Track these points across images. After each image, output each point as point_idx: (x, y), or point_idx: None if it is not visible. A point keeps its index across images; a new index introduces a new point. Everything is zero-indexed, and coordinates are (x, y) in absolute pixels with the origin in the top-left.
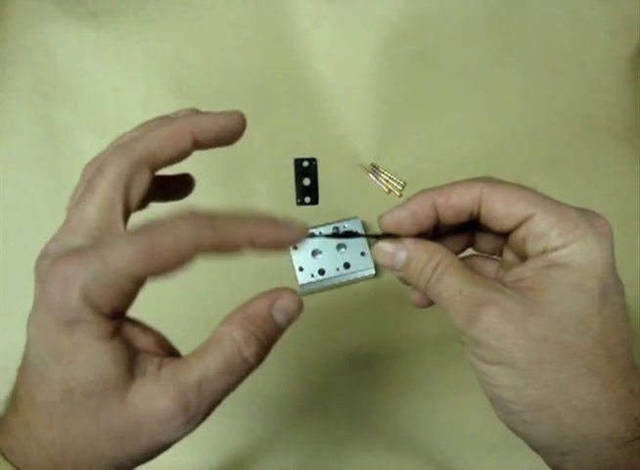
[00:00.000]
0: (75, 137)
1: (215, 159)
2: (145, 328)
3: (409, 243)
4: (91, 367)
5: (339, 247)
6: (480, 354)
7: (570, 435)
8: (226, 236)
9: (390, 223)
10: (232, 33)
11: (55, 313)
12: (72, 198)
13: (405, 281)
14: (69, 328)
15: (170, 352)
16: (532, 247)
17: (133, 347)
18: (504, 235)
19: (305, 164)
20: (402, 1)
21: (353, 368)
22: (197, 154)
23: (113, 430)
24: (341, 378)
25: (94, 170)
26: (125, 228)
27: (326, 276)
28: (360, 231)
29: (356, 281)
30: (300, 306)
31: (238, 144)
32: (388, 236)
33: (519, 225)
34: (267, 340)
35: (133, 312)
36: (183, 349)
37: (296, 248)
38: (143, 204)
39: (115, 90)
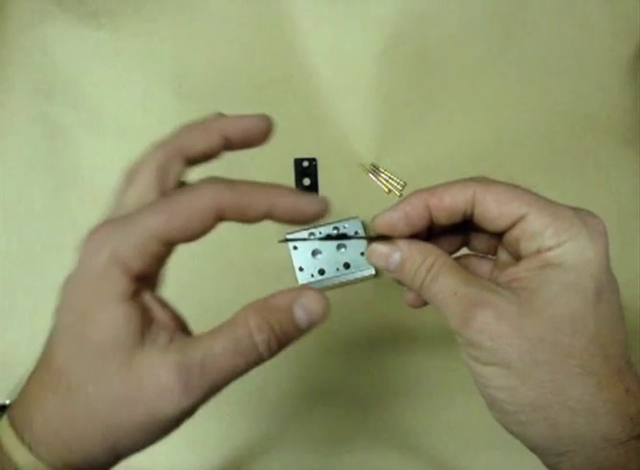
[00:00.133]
0: (75, 137)
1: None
2: (165, 303)
3: (403, 244)
4: (105, 325)
5: (339, 247)
6: (474, 355)
7: (565, 435)
8: (246, 200)
9: (383, 225)
10: (232, 33)
11: (85, 273)
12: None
13: (400, 282)
14: (95, 285)
15: (185, 330)
16: (526, 247)
17: (150, 316)
18: (498, 235)
19: (305, 164)
20: (402, 1)
21: (353, 368)
22: None
23: (113, 392)
24: (340, 378)
25: (134, 165)
26: None
27: (326, 276)
28: (360, 231)
29: (356, 281)
30: (324, 310)
31: None
32: (381, 238)
33: (512, 225)
34: (282, 333)
35: None
36: None
37: (295, 248)
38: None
39: (115, 90)
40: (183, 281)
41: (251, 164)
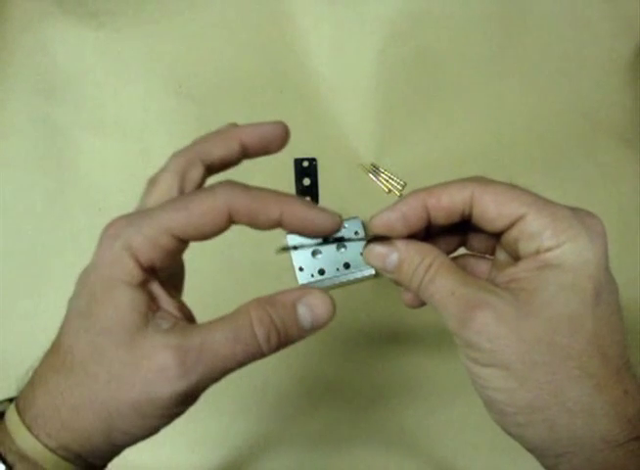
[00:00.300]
0: (75, 137)
1: None
2: (173, 294)
3: (400, 244)
4: (111, 306)
5: (338, 247)
6: (472, 357)
7: (564, 437)
8: (259, 205)
9: (381, 225)
10: (232, 33)
11: (98, 261)
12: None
13: (398, 283)
14: (107, 271)
15: (190, 320)
16: (525, 247)
17: (156, 304)
18: (496, 235)
19: (305, 163)
20: (402, 1)
21: (353, 368)
22: None
23: (112, 371)
24: (340, 378)
25: (157, 172)
26: None
27: (326, 276)
28: (360, 231)
29: (356, 281)
30: (329, 312)
31: None
32: (379, 239)
33: (511, 226)
34: (284, 328)
35: None
36: None
37: (295, 248)
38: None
39: (115, 90)
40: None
41: (251, 164)
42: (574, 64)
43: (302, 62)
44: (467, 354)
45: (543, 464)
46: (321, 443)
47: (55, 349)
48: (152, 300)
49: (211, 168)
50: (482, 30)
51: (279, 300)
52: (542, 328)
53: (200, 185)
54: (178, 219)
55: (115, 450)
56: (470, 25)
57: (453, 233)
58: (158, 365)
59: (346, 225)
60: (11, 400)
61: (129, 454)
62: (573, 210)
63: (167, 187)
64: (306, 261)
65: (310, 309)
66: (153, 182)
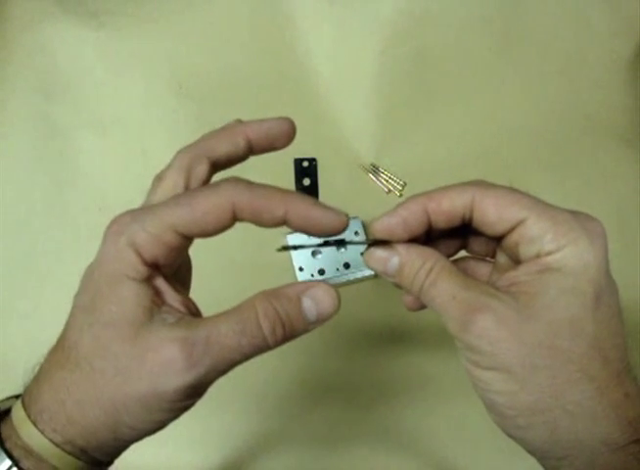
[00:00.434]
0: (75, 137)
1: None
2: (178, 289)
3: (401, 248)
4: (115, 301)
5: (338, 247)
6: (474, 360)
7: (565, 439)
8: (263, 203)
9: (382, 230)
10: (232, 33)
11: (102, 257)
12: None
13: (399, 286)
14: (111, 266)
15: (196, 316)
16: (526, 251)
17: (161, 298)
18: (497, 238)
19: (305, 163)
20: (402, 1)
21: (353, 368)
22: None
23: (117, 366)
24: (340, 378)
25: (163, 168)
26: None
27: (326, 276)
28: (360, 231)
29: (356, 281)
30: (334, 304)
31: None
32: (380, 243)
33: (511, 230)
34: (289, 321)
35: None
36: None
37: (296, 248)
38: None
39: (115, 90)
40: None
41: (251, 164)
42: (574, 64)
43: (302, 62)
44: (468, 358)
45: (544, 467)
46: (321, 442)
47: (60, 344)
48: (157, 295)
49: (217, 165)
50: (482, 30)
51: (284, 293)
52: (543, 331)
53: (205, 182)
54: (182, 216)
55: (121, 446)
56: (470, 25)
57: (453, 236)
58: (164, 358)
59: None
60: (17, 397)
61: (129, 454)
62: (574, 213)
63: (173, 183)
64: (306, 261)
65: (315, 303)
66: (158, 179)
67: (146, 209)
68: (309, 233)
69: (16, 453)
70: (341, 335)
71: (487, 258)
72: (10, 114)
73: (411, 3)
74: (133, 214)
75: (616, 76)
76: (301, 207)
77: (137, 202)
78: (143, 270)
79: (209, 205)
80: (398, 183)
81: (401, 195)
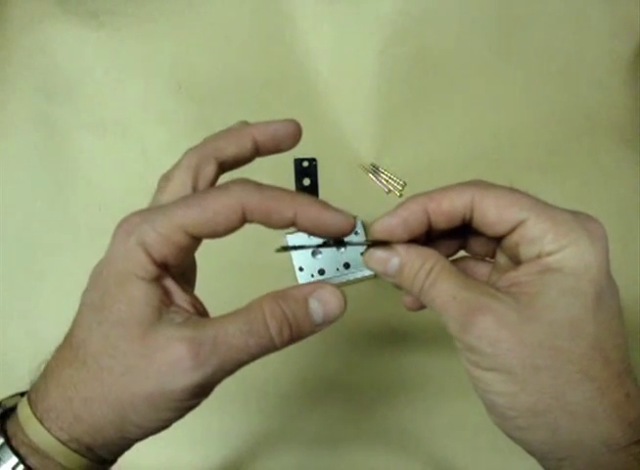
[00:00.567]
0: (75, 137)
1: None
2: (186, 289)
3: (401, 249)
4: (124, 300)
5: (338, 247)
6: (474, 361)
7: (565, 440)
8: (272, 204)
9: (382, 231)
10: (232, 33)
11: (112, 256)
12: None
13: (399, 286)
14: (120, 265)
15: (203, 316)
16: (526, 252)
17: (169, 298)
18: (497, 239)
19: (305, 163)
20: (402, 1)
21: (353, 368)
22: None
23: (125, 364)
24: (340, 378)
25: (170, 168)
26: None
27: (326, 276)
28: (360, 231)
29: (356, 281)
30: (340, 307)
31: None
32: (380, 243)
33: (512, 230)
34: (296, 322)
35: None
36: None
37: (295, 249)
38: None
39: (115, 90)
40: None
41: (251, 165)
42: (574, 64)
43: (302, 62)
44: (468, 358)
45: (545, 467)
46: (321, 442)
47: (67, 342)
48: (165, 295)
49: (224, 166)
50: (483, 30)
51: (291, 294)
52: (543, 332)
53: (213, 182)
54: (192, 216)
55: (126, 444)
56: (470, 26)
57: (453, 237)
58: (172, 357)
59: None
60: (22, 395)
61: (131, 454)
62: (574, 213)
63: (181, 184)
64: (306, 262)
65: (322, 304)
66: (166, 179)
67: (155, 209)
68: (317, 234)
69: (22, 451)
70: (341, 335)
71: (487, 259)
72: (10, 114)
73: (411, 3)
74: (143, 215)
75: (616, 76)
76: (311, 209)
77: (137, 201)
78: (152, 270)
79: (220, 206)
80: (398, 183)
81: (401, 195)
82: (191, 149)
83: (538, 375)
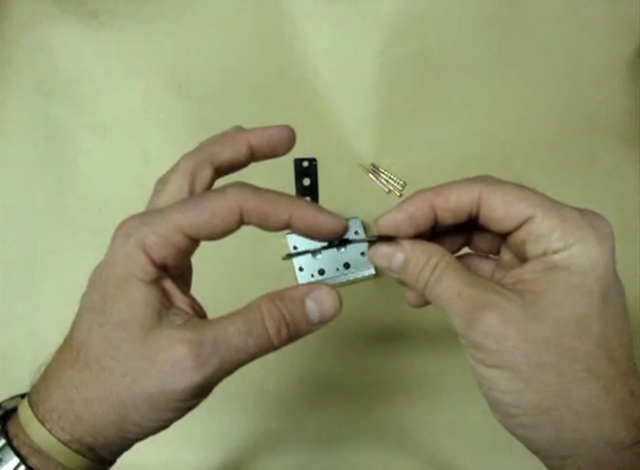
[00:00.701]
0: (75, 137)
1: None
2: (186, 291)
3: (406, 244)
4: (125, 302)
5: (340, 247)
6: (479, 358)
7: (570, 439)
8: (269, 207)
9: (387, 226)
10: (232, 33)
11: (111, 258)
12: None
13: (402, 283)
14: (120, 267)
15: (202, 317)
16: (532, 249)
17: (169, 300)
18: (502, 235)
19: (305, 163)
20: (402, 1)
21: (353, 368)
22: None
23: (127, 366)
24: (340, 378)
25: (166, 172)
26: None
27: (326, 276)
28: (360, 231)
29: (356, 281)
30: (336, 306)
31: None
32: (383, 239)
33: (518, 226)
34: (293, 322)
35: None
36: None
37: (295, 248)
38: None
39: (115, 90)
40: None
41: (251, 165)
42: (574, 64)
43: (302, 62)
44: (473, 355)
45: (548, 466)
46: (321, 442)
47: (68, 344)
48: (165, 296)
49: (220, 170)
50: (483, 31)
51: (288, 295)
52: (549, 330)
53: (209, 186)
54: (191, 218)
55: (127, 444)
56: (470, 26)
57: (458, 233)
58: (173, 358)
59: None
60: (22, 396)
61: (130, 454)
62: (582, 211)
63: (178, 187)
64: (306, 262)
65: (318, 304)
66: (163, 182)
67: (154, 212)
68: (311, 236)
69: (23, 452)
70: (340, 334)
71: (491, 256)
72: (10, 114)
73: (411, 3)
74: (141, 218)
75: (616, 76)
76: (306, 212)
77: (137, 202)
78: (152, 272)
79: (217, 208)
80: (398, 183)
81: (401, 195)
82: (187, 153)
83: (543, 373)
